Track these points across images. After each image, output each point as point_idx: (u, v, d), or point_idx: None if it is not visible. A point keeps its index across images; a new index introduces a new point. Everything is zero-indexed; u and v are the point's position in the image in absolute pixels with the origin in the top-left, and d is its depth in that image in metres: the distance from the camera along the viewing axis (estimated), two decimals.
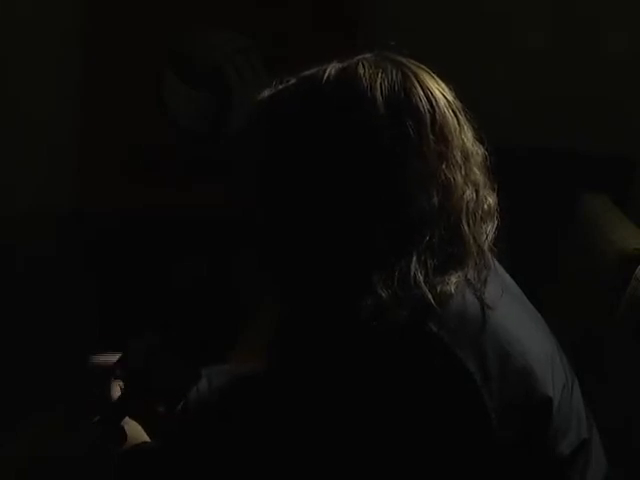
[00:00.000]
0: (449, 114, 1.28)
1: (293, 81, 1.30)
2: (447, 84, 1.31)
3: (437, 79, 1.30)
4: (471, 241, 1.26)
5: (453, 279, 1.23)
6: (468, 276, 1.25)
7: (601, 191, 2.24)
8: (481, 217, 1.29)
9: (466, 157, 1.28)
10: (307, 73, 1.30)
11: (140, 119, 2.77)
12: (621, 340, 1.68)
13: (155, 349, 1.45)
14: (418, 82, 1.27)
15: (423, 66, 1.31)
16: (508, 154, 2.50)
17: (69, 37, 2.82)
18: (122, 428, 1.43)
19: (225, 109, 2.77)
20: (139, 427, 1.47)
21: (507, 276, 1.40)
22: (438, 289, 1.21)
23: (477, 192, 1.28)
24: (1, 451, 1.57)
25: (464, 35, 2.76)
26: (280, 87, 1.30)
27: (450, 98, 1.29)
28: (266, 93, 1.30)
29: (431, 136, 1.25)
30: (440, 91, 1.29)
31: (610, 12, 2.74)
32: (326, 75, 1.27)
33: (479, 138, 1.32)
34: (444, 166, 1.25)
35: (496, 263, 1.37)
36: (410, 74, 1.27)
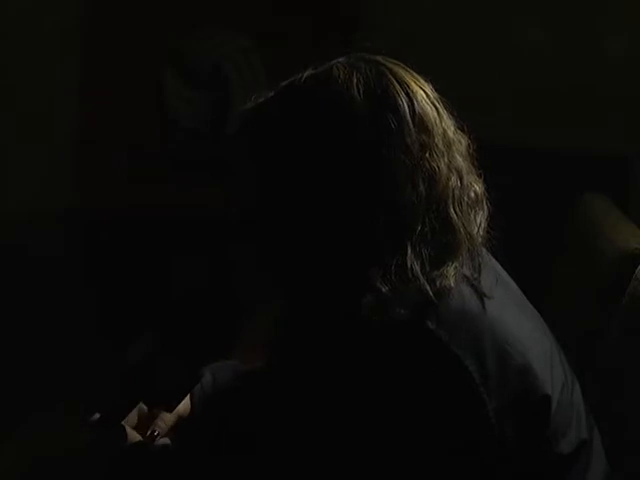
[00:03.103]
0: (428, 105, 1.30)
1: (272, 93, 1.32)
2: (425, 78, 1.33)
3: (413, 73, 1.33)
4: (461, 229, 1.27)
5: (451, 271, 1.24)
6: (463, 267, 1.27)
7: (601, 191, 2.23)
8: (468, 204, 1.30)
9: (448, 145, 1.30)
10: (284, 83, 1.32)
11: (140, 119, 2.77)
12: (621, 340, 1.68)
13: (155, 349, 1.45)
14: (394, 77, 1.29)
15: (398, 62, 1.33)
16: (508, 154, 2.51)
17: (69, 37, 2.82)
18: (122, 428, 1.43)
19: (225, 109, 2.77)
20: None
21: (504, 272, 1.40)
22: (438, 283, 1.22)
23: (461, 179, 1.30)
24: (1, 452, 1.57)
25: (464, 35, 2.76)
26: (261, 99, 1.32)
27: (428, 90, 1.32)
28: (249, 105, 1.32)
29: (413, 127, 1.27)
30: (417, 84, 1.31)
31: (610, 12, 2.74)
32: (302, 81, 1.30)
33: (461, 128, 1.34)
34: (427, 155, 1.27)
35: (492, 260, 1.38)
36: (385, 70, 1.30)
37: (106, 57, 2.78)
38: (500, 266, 1.41)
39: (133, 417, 1.47)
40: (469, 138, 1.34)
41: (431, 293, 1.21)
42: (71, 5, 2.81)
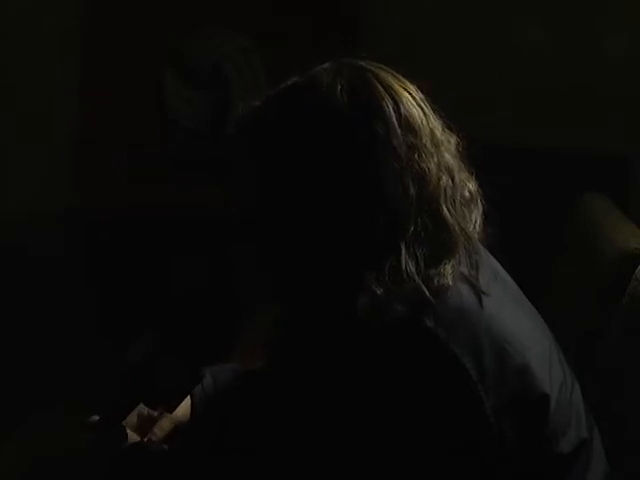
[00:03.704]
0: (414, 107, 1.30)
1: (264, 98, 1.33)
2: (410, 80, 1.34)
3: (398, 76, 1.33)
4: (456, 227, 1.28)
5: (448, 269, 1.24)
6: (460, 264, 1.27)
7: (601, 191, 2.23)
8: (461, 202, 1.31)
9: (437, 145, 1.30)
10: (274, 90, 1.33)
11: (140, 119, 2.77)
12: (621, 340, 1.68)
13: (155, 349, 1.45)
14: (378, 82, 1.30)
15: (382, 66, 1.33)
16: (508, 154, 2.51)
17: (69, 37, 2.82)
18: (122, 428, 1.43)
19: (225, 109, 2.77)
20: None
21: (503, 270, 1.41)
22: (435, 282, 1.23)
23: (453, 178, 1.31)
24: (1, 452, 1.57)
25: (464, 35, 2.76)
26: (255, 104, 1.33)
27: (413, 92, 1.32)
28: (245, 110, 1.33)
29: (399, 130, 1.27)
30: (402, 87, 1.31)
31: (610, 12, 2.74)
32: (288, 88, 1.31)
33: (449, 127, 1.34)
34: (416, 156, 1.27)
35: (490, 256, 1.38)
36: (369, 75, 1.30)
37: (106, 57, 2.78)
38: (498, 263, 1.41)
39: (133, 419, 1.47)
40: (458, 136, 1.35)
41: (427, 292, 1.22)
42: (71, 5, 2.81)
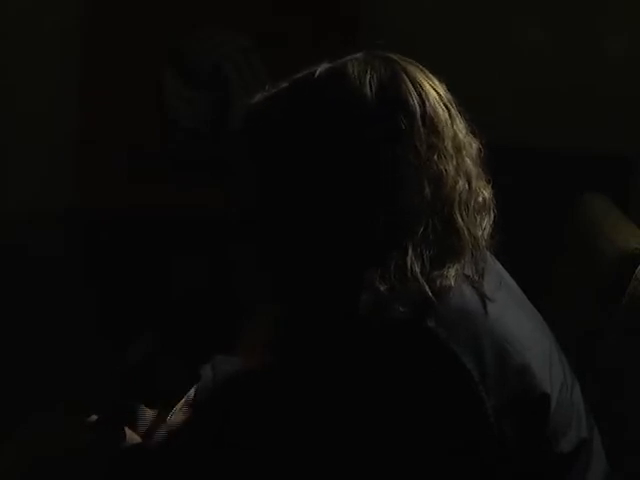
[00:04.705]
0: (440, 107, 1.29)
1: (285, 84, 1.32)
2: (439, 78, 1.33)
3: (427, 73, 1.32)
4: (466, 232, 1.27)
5: (452, 272, 1.24)
6: (465, 269, 1.26)
7: (601, 191, 2.24)
8: (475, 208, 1.30)
9: (458, 148, 1.29)
10: (298, 76, 1.32)
11: (140, 119, 2.77)
12: (621, 340, 1.68)
13: (155, 349, 1.45)
14: (407, 77, 1.29)
15: (413, 61, 1.33)
16: (508, 154, 2.51)
17: (69, 37, 2.82)
18: (122, 428, 1.43)
19: (225, 109, 2.77)
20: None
21: (507, 274, 1.40)
22: (438, 283, 1.22)
23: (470, 183, 1.30)
24: (1, 452, 1.57)
25: (464, 35, 2.76)
26: (273, 90, 1.31)
27: (441, 92, 1.31)
28: (260, 96, 1.31)
29: (422, 128, 1.26)
30: (430, 85, 1.30)
31: (610, 12, 2.74)
32: (316, 76, 1.30)
33: (473, 132, 1.33)
34: (435, 157, 1.26)
35: (497, 263, 1.38)
36: (399, 69, 1.29)
37: (106, 57, 2.78)
38: (503, 268, 1.41)
39: (132, 419, 1.47)
40: (480, 142, 1.34)
41: (430, 293, 1.21)
42: (71, 5, 2.81)
